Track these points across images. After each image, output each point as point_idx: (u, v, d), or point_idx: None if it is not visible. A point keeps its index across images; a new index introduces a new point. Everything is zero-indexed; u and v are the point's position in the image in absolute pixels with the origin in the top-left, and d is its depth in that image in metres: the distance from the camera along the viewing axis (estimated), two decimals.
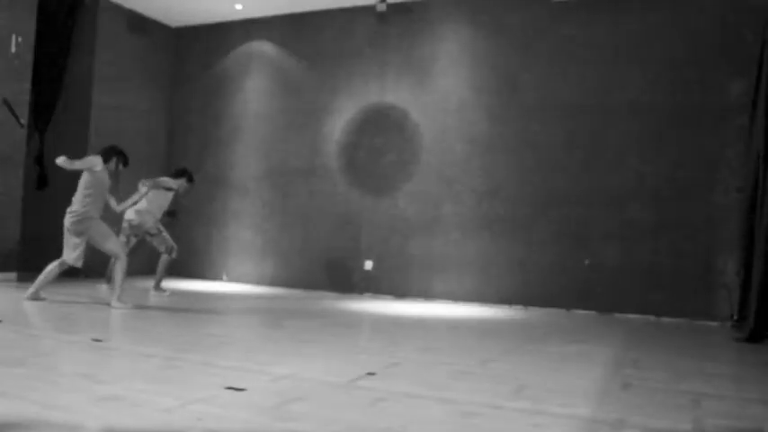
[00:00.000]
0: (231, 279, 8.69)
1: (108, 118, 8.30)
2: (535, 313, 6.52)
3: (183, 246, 8.91)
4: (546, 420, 2.36)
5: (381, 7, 7.69)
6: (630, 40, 6.71)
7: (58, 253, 5.33)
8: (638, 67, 6.64)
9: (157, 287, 6.54)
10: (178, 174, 6.62)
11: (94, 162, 5.35)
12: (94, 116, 8.16)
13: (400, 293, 7.55)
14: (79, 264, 5.32)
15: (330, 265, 8.02)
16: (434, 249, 7.43)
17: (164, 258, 6.51)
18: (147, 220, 6.35)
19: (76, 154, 8.03)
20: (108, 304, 5.28)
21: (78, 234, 5.26)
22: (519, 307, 6.93)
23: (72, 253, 5.25)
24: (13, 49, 6.88)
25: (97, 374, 2.81)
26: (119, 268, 5.34)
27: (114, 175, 5.61)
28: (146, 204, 6.31)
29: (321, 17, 8.30)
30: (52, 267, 5.32)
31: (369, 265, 7.78)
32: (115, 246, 5.42)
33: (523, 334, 4.99)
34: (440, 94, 7.58)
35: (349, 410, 2.40)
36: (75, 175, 5.41)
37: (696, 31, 6.43)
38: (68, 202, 5.35)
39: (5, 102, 6.73)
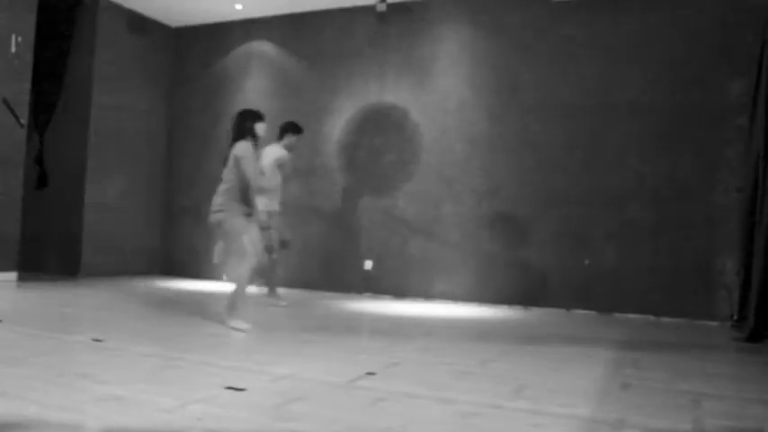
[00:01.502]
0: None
1: (108, 118, 8.30)
2: (535, 313, 6.52)
3: (183, 246, 8.93)
4: (546, 420, 2.36)
5: (381, 7, 7.69)
6: (630, 40, 6.71)
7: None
8: (638, 67, 6.64)
9: (271, 293, 6.01)
10: (282, 133, 5.85)
11: (245, 147, 4.53)
12: (94, 116, 8.16)
13: (400, 293, 7.54)
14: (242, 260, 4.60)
15: (330, 265, 8.01)
16: (434, 249, 7.43)
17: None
18: (260, 210, 5.28)
19: (76, 154, 8.11)
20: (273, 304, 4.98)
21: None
22: (519, 307, 6.93)
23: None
24: (13, 49, 6.87)
25: (97, 374, 2.81)
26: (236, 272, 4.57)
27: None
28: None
29: (321, 17, 8.30)
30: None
31: (369, 265, 7.78)
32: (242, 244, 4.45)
33: (523, 334, 4.99)
34: (440, 94, 7.58)
35: (349, 410, 2.40)
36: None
37: (696, 31, 6.43)
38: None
39: (5, 102, 6.73)
